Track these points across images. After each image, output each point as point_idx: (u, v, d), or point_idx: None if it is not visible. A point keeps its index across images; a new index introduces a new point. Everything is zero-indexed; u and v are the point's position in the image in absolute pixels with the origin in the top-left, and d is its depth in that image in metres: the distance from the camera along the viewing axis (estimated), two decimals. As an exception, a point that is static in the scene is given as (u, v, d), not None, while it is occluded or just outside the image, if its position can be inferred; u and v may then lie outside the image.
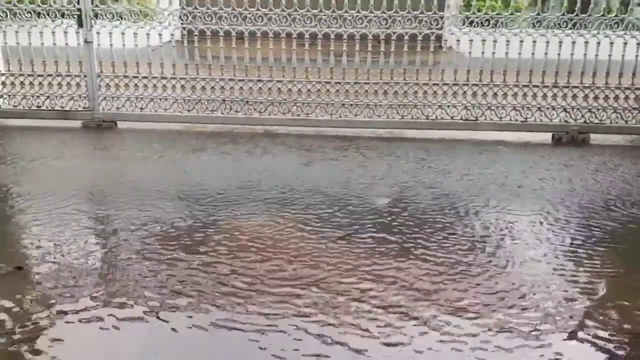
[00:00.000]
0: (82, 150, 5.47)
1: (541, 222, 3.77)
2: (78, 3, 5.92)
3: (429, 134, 6.07)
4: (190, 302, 2.68)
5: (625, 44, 5.82)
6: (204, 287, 2.81)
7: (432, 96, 6.08)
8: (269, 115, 6.18)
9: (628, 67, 5.88)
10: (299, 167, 4.95)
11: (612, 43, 5.83)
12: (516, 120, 6.06)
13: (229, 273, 2.96)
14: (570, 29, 5.84)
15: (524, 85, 6.03)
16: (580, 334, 2.51)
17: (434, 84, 6.08)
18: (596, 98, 6.00)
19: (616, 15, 5.81)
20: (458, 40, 6.00)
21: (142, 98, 6.19)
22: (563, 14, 5.83)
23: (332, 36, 5.94)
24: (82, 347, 2.38)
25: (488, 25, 5.87)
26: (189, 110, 6.21)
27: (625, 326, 2.57)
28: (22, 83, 6.24)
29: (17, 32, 6.08)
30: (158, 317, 2.55)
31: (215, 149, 5.46)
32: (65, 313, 2.57)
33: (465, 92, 6.06)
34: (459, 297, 2.77)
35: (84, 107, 6.23)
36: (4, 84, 6.26)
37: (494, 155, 5.45)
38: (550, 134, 6.06)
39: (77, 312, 2.58)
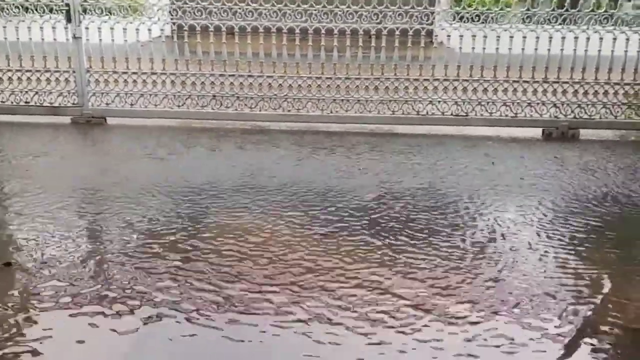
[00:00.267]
0: (70, 146, 5.44)
1: (530, 216, 3.79)
2: (66, -2, 5.86)
3: (420, 130, 6.08)
4: (177, 299, 2.67)
5: (615, 39, 5.84)
6: (188, 284, 2.81)
7: (422, 92, 6.08)
8: (260, 110, 6.16)
9: (617, 62, 5.90)
10: (290, 162, 4.94)
11: (601, 38, 5.85)
12: (506, 115, 6.07)
13: (216, 271, 2.95)
14: (560, 24, 5.85)
15: (514, 81, 6.04)
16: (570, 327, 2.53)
17: (425, 80, 6.08)
18: (586, 93, 6.02)
19: (606, 11, 5.82)
20: (449, 36, 6.01)
21: (131, 94, 6.15)
22: (553, 10, 5.84)
23: (323, 31, 5.92)
24: (70, 343, 2.37)
25: (478, 21, 5.88)
26: (179, 106, 6.18)
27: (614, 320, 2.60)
28: (10, 79, 6.18)
29: (4, 27, 6.01)
30: (150, 316, 2.55)
31: (205, 144, 5.44)
32: (54, 309, 2.56)
33: (455, 88, 6.06)
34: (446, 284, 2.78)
35: (73, 103, 6.18)
36: (-8, 79, 6.20)
37: (483, 150, 5.46)
38: (541, 129, 6.08)
39: (65, 308, 2.57)
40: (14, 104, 6.20)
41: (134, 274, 2.89)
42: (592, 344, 2.44)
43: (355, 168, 4.77)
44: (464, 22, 5.91)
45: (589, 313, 2.64)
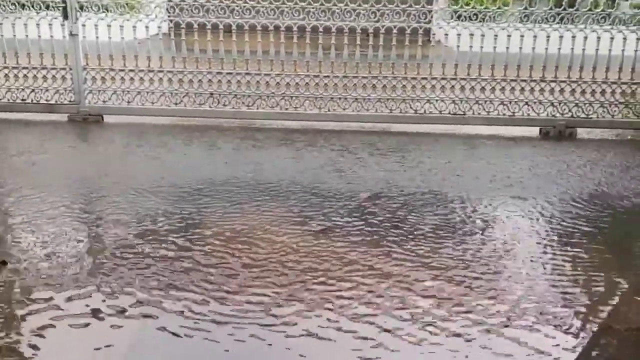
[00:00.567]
0: (67, 144, 5.42)
1: (524, 214, 3.79)
2: (63, -5, 5.84)
3: (417, 128, 6.08)
4: (176, 299, 2.67)
5: (612, 38, 5.85)
6: (187, 284, 2.81)
7: (420, 90, 6.08)
8: (257, 109, 6.15)
9: (614, 61, 5.91)
10: (287, 161, 4.93)
11: (599, 38, 5.85)
12: (504, 114, 6.08)
13: (214, 265, 2.95)
14: (557, 23, 5.85)
15: (512, 80, 6.04)
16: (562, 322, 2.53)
17: (422, 78, 6.07)
18: (583, 92, 6.02)
19: (603, 10, 5.83)
20: (446, 34, 6.00)
21: (128, 91, 6.13)
22: (551, 9, 5.85)
23: (321, 29, 5.91)
24: (64, 342, 2.36)
25: (476, 20, 5.87)
26: (176, 104, 6.16)
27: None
28: (6, 76, 6.16)
29: (1, 24, 5.99)
30: (150, 316, 2.54)
31: (202, 143, 5.43)
32: (49, 308, 2.55)
33: (453, 87, 6.06)
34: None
35: (70, 101, 6.16)
36: (-12, 76, 6.18)
37: (480, 149, 5.47)
38: (538, 128, 6.09)
39: (59, 307, 2.57)
40: (11, 101, 6.18)
41: (132, 274, 2.88)
42: (589, 345, 2.44)
43: (352, 166, 4.76)
44: (462, 20, 5.91)
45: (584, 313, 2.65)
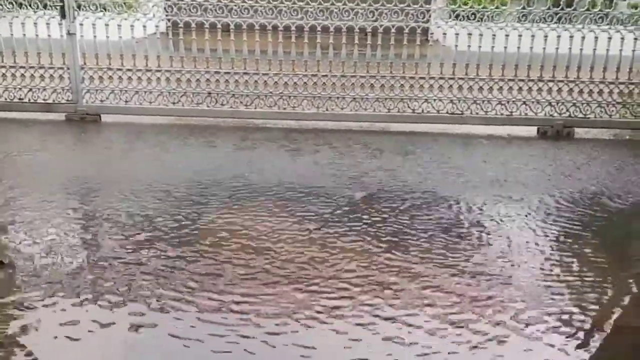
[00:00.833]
0: (64, 143, 5.40)
1: (522, 213, 3.79)
2: (61, -6, 5.83)
3: (415, 128, 6.07)
4: (175, 299, 2.67)
5: (610, 38, 5.86)
6: (185, 283, 2.80)
7: (418, 89, 6.08)
8: (255, 108, 6.14)
9: (612, 61, 5.91)
10: (284, 160, 4.93)
11: (596, 37, 5.86)
12: (502, 114, 6.08)
13: (214, 265, 2.95)
14: (555, 23, 5.86)
15: (510, 80, 6.04)
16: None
17: (421, 78, 6.07)
18: (581, 92, 6.03)
19: (601, 10, 5.83)
20: (444, 34, 6.00)
21: (126, 91, 6.12)
22: (548, 8, 5.85)
23: (319, 29, 5.90)
24: (66, 343, 2.36)
25: (474, 19, 5.88)
26: (174, 103, 6.15)
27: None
28: (4, 75, 6.14)
29: (-2, 23, 5.98)
30: (149, 316, 2.54)
31: (200, 142, 5.42)
32: (48, 308, 2.55)
33: (451, 86, 6.06)
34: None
35: (67, 100, 6.15)
36: (-15, 75, 6.16)
37: (478, 148, 5.47)
38: (536, 127, 6.09)
39: (60, 307, 2.56)
40: (8, 100, 6.16)
41: (130, 273, 2.88)
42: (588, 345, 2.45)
43: (349, 166, 4.76)
44: (460, 20, 5.91)
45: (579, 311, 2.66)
